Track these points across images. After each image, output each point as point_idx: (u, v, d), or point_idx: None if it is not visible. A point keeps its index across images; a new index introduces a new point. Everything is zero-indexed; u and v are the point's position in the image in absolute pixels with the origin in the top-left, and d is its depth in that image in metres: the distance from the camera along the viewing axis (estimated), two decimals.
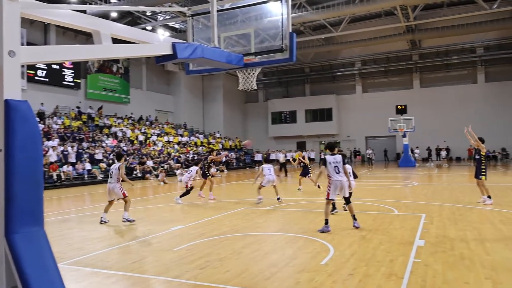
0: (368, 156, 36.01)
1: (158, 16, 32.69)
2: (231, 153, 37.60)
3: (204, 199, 13.56)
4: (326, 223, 7.83)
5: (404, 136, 31.12)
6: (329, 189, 7.97)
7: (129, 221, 9.18)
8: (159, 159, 27.69)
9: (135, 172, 24.24)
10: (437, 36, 34.84)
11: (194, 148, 34.02)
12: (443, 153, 33.60)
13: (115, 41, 4.19)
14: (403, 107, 31.95)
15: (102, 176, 22.41)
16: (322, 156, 14.91)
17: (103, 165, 23.29)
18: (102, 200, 15.25)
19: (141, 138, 30.60)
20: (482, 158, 10.69)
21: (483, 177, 10.60)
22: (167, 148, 31.22)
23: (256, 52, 6.12)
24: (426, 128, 35.76)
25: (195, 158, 26.75)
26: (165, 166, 26.00)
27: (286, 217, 9.76)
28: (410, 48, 38.94)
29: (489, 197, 10.61)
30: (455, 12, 32.86)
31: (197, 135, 38.22)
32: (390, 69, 41.09)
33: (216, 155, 14.89)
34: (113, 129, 29.42)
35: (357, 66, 42.48)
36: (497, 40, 36.43)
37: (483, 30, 33.21)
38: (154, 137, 31.99)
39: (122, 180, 9.42)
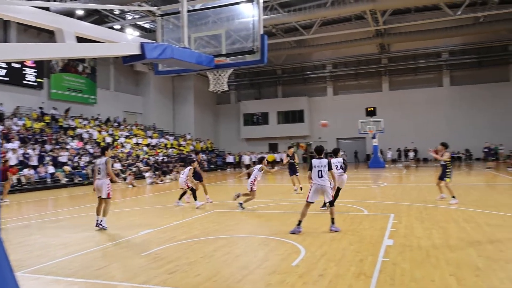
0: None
1: (127, 15, 32.02)
2: (202, 155, 37.32)
3: (189, 204, 13.22)
4: (299, 224, 7.83)
5: (373, 137, 31.70)
6: (309, 192, 8.02)
7: (103, 227, 8.66)
8: (128, 161, 27.13)
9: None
10: (405, 40, 35.76)
11: (164, 150, 33.51)
12: (411, 154, 34.50)
13: (81, 40, 4.04)
14: (372, 109, 32.52)
15: (66, 179, 21.72)
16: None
17: (67, 168, 22.55)
18: (66, 204, 14.83)
19: (109, 140, 29.85)
20: (447, 163, 11.26)
21: (448, 179, 11.14)
22: (136, 150, 30.64)
23: (227, 54, 6.07)
24: (395, 129, 36.61)
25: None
26: (134, 169, 25.50)
27: (258, 219, 9.73)
28: (380, 52, 39.80)
29: (453, 197, 11.02)
30: (422, 17, 33.83)
31: (167, 136, 37.63)
32: (360, 72, 41.86)
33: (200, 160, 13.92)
34: (79, 131, 28.52)
35: (328, 68, 43.06)
36: (461, 46, 37.76)
37: (448, 35, 34.33)
38: (122, 139, 31.29)
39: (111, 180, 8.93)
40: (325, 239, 7.23)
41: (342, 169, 10.42)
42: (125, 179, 22.95)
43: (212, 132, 46.27)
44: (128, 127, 34.71)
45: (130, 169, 24.84)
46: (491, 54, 37.08)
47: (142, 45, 4.46)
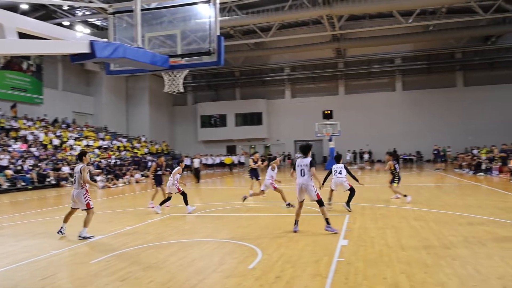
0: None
1: (77, 11, 30.66)
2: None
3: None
4: (296, 223, 8.09)
5: (330, 140, 32.32)
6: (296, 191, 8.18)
7: (86, 238, 7.96)
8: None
9: (48, 179, 22.49)
10: (360, 45, 36.90)
11: (117, 153, 32.51)
12: (366, 156, 35.55)
13: (26, 36, 3.80)
14: (329, 112, 33.18)
15: (8, 184, 20.43)
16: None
17: (9, 172, 21.19)
18: (8, 211, 13.97)
19: (56, 142, 28.53)
20: (392, 170, 12.18)
21: (395, 184, 12.06)
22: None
23: (183, 54, 5.97)
24: (351, 132, 37.49)
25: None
26: None
27: (214, 223, 9.61)
28: (336, 56, 40.75)
29: (405, 195, 11.72)
30: (376, 24, 35.04)
31: (120, 139, 36.46)
32: (317, 76, 42.65)
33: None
34: (23, 132, 26.94)
35: (286, 71, 43.56)
36: (412, 52, 39.47)
37: (400, 42, 35.79)
38: (71, 141, 29.97)
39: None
40: (282, 241, 7.26)
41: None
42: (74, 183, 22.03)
43: (168, 134, 45.48)
44: (78, 128, 33.37)
45: None
46: (440, 61, 39.07)
47: (92, 44, 4.28)
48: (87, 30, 32.28)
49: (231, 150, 43.58)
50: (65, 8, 29.46)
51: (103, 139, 33.82)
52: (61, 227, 8.34)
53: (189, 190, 18.55)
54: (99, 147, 31.75)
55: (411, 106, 39.01)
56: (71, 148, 28.94)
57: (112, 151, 32.60)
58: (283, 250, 6.60)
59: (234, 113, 44.06)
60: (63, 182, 22.67)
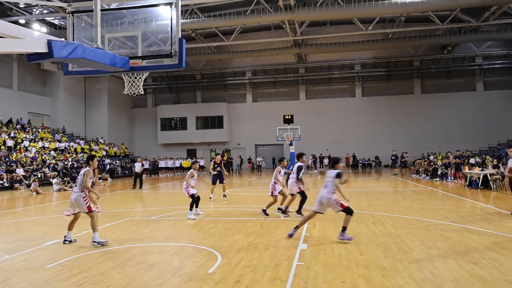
0: (258, 163, 37.16)
1: (34, 9, 29.62)
2: (116, 161, 35.80)
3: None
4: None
5: (291, 144, 32.67)
6: None
7: (102, 244, 7.51)
8: (32, 166, 25.04)
9: (1, 182, 21.48)
10: (321, 51, 37.69)
11: (74, 155, 31.48)
12: (326, 161, 36.20)
13: None
14: (290, 117, 33.56)
15: None
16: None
17: None
18: None
19: (10, 143, 27.32)
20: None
21: None
22: (42, 154, 28.41)
23: (143, 56, 5.91)
24: (311, 137, 38.12)
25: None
26: (39, 175, 23.62)
27: (174, 227, 9.51)
28: (297, 62, 41.39)
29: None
30: (337, 30, 36.08)
31: (77, 140, 35.41)
32: (278, 80, 43.14)
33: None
34: None
35: (247, 75, 43.76)
36: (372, 59, 40.75)
37: (360, 49, 36.93)
38: (26, 142, 28.83)
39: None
40: (242, 246, 7.29)
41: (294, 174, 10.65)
42: (29, 185, 21.18)
43: (127, 136, 44.54)
44: (33, 129, 32.08)
45: (35, 175, 22.97)
46: (398, 68, 40.62)
47: (49, 43, 4.17)
48: (44, 29, 31.14)
49: (191, 154, 43.21)
50: (22, 5, 28.31)
51: (59, 141, 32.67)
52: (65, 236, 7.80)
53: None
54: (55, 149, 30.63)
55: (370, 112, 40.21)
56: (26, 150, 27.79)
57: (69, 153, 31.54)
58: (243, 255, 6.63)
59: (195, 116, 43.75)
60: (16, 185, 21.73)
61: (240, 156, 40.28)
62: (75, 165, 27.77)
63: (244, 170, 39.05)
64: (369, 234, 8.13)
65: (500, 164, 17.46)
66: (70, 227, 7.82)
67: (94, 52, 4.87)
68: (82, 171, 7.80)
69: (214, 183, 14.36)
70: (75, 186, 7.81)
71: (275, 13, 28.73)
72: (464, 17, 30.69)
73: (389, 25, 34.55)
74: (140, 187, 20.85)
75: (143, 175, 22.54)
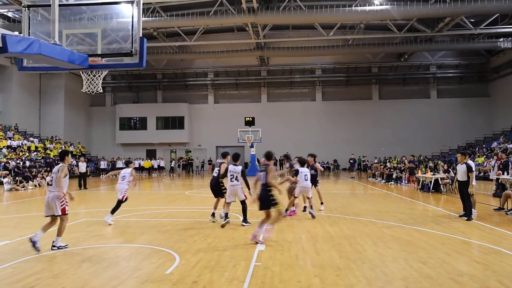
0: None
1: None
2: (72, 160, 34.61)
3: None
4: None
5: (251, 146, 32.82)
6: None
7: (61, 248, 7.12)
8: None
9: None
10: (283, 55, 38.08)
11: (27, 154, 30.19)
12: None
13: None
14: (251, 119, 33.65)
15: None
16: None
17: None
18: None
19: None
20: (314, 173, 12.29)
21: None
22: None
23: (103, 54, 5.82)
24: (272, 139, 38.27)
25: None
26: None
27: (132, 228, 9.36)
28: (259, 64, 41.63)
29: (321, 203, 12.15)
30: (299, 35, 36.63)
31: (31, 139, 33.95)
32: (241, 82, 43.21)
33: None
34: None
35: (210, 76, 43.53)
36: (332, 64, 41.61)
37: (321, 54, 37.64)
38: None
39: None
40: (200, 246, 7.30)
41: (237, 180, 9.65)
42: None
43: (84, 135, 43.13)
44: None
45: None
46: (358, 74, 41.67)
47: (4, 37, 4.05)
48: None
49: (151, 154, 42.49)
50: None
51: (11, 139, 31.19)
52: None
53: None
54: (7, 147, 29.25)
55: (330, 116, 41.03)
56: None
57: (22, 151, 30.21)
58: (201, 255, 6.65)
59: (155, 116, 43.01)
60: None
61: (198, 157, 40.13)
62: (28, 164, 26.67)
63: (205, 172, 38.84)
64: (325, 235, 8.34)
65: (450, 169, 18.37)
66: (45, 230, 7.19)
67: (51, 48, 4.76)
68: (56, 167, 7.28)
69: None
70: (51, 185, 7.33)
71: (238, 15, 28.82)
72: (420, 27, 32.03)
73: (349, 32, 35.49)
74: (85, 187, 20.56)
75: (100, 176, 22.12)
